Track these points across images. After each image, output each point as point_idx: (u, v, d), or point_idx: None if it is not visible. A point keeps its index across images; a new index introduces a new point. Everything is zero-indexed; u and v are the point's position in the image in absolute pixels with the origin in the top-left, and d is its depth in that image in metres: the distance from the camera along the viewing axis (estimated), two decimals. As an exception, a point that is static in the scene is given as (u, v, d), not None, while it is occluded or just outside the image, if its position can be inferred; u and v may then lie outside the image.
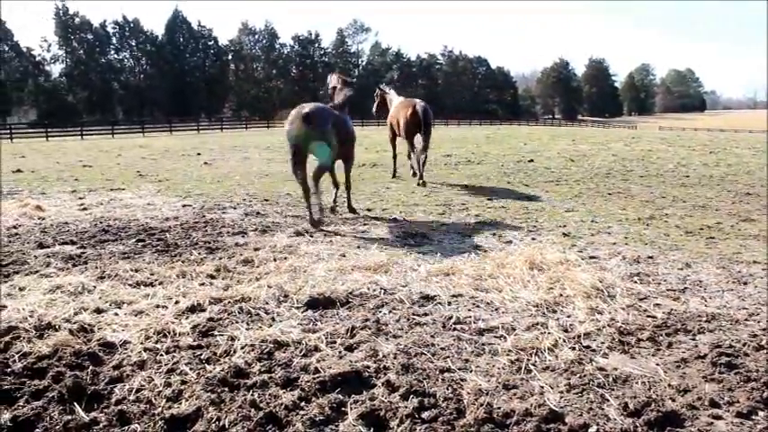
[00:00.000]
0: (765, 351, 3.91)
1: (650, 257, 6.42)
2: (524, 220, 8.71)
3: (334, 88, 10.19)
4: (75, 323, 4.37)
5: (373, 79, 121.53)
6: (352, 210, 9.53)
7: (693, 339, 4.18)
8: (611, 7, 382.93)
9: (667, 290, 5.30)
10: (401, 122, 13.44)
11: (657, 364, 3.76)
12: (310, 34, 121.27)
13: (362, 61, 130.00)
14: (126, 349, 3.98)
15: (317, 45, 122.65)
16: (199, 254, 6.57)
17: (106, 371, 3.66)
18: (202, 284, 5.42)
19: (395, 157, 14.76)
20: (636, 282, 5.50)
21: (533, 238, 7.34)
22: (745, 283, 5.49)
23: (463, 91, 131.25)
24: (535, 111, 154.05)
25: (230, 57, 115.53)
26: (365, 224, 8.40)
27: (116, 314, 4.62)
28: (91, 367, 3.67)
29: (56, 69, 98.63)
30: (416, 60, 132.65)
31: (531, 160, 18.53)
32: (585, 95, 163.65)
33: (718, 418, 3.12)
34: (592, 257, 6.37)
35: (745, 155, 20.89)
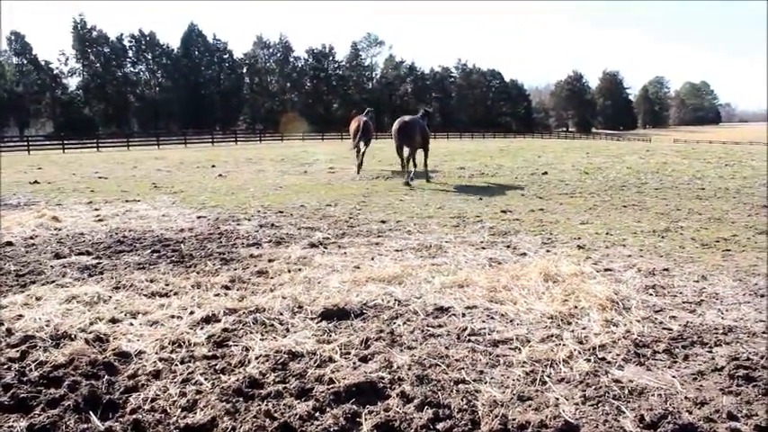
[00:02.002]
0: (783, 364, 3.87)
1: (666, 270, 6.37)
2: (539, 232, 8.69)
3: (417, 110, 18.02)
4: (90, 333, 4.40)
5: (387, 92, 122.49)
6: (428, 180, 16.37)
7: (710, 352, 4.14)
8: (625, 20, 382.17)
9: (683, 302, 5.26)
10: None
11: (674, 377, 3.73)
12: (324, 47, 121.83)
13: (376, 74, 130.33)
14: (141, 359, 4.00)
15: (331, 58, 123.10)
16: (213, 265, 6.59)
17: (121, 380, 3.67)
18: (217, 295, 5.44)
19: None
20: (651, 294, 5.46)
21: (548, 251, 7.31)
22: (762, 296, 5.44)
23: (477, 104, 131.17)
24: (549, 123, 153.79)
25: (245, 70, 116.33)
26: (379, 236, 8.40)
27: (131, 324, 4.65)
28: (106, 377, 3.69)
29: (73, 82, 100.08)
30: (430, 73, 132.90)
31: (546, 173, 18.49)
32: (599, 108, 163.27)
33: (737, 430, 3.09)
34: (607, 270, 6.34)
35: (761, 167, 20.72)
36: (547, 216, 10.20)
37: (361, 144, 19.22)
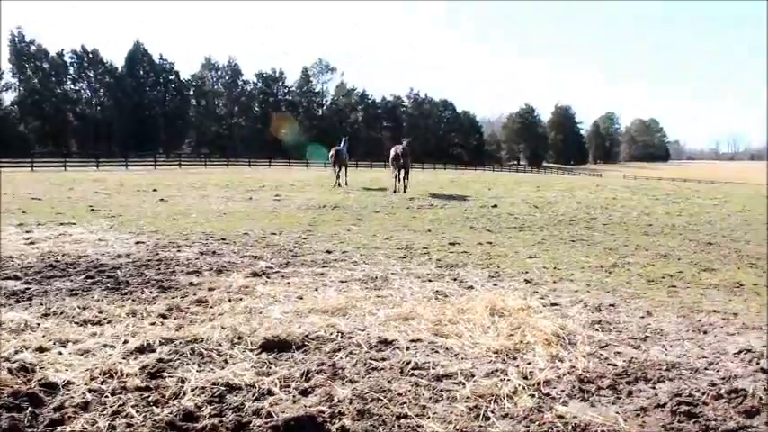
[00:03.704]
0: (724, 400, 3.98)
1: (612, 305, 6.51)
2: (486, 265, 8.78)
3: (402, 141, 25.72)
4: (15, 362, 4.27)
5: (338, 119, 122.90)
6: (405, 191, 23.28)
7: (653, 388, 4.24)
8: (578, 56, 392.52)
9: (628, 338, 5.37)
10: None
11: (617, 413, 3.79)
12: (274, 72, 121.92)
13: (327, 101, 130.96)
14: (69, 390, 3.89)
15: (280, 83, 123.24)
16: (150, 292, 6.49)
17: (46, 413, 3.57)
18: (153, 324, 5.35)
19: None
20: (597, 329, 5.57)
21: (495, 284, 7.40)
22: (705, 332, 5.59)
23: (428, 134, 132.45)
24: (500, 156, 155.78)
25: (191, 92, 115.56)
26: (324, 266, 8.39)
27: (60, 353, 4.53)
28: (30, 409, 3.57)
29: (7, 98, 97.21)
30: (381, 102, 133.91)
31: (495, 206, 18.77)
32: (551, 142, 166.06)
33: (677, 468, 3.15)
34: (553, 304, 6.44)
35: (707, 205, 21.44)
36: (495, 249, 10.33)
37: (336, 168, 28.38)
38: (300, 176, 39.39)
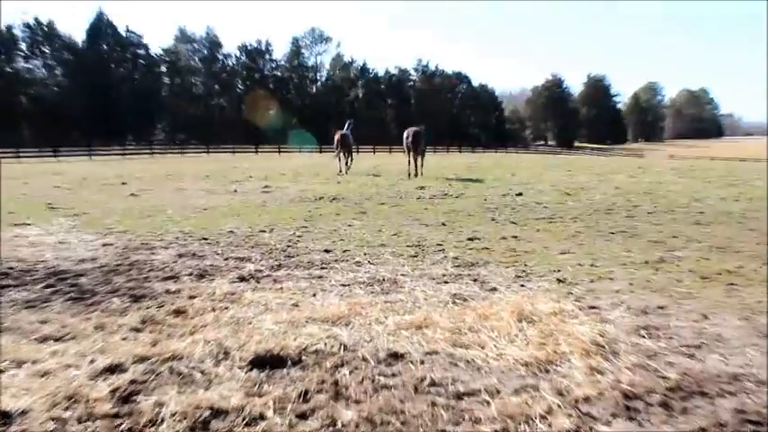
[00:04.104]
0: (796, 418, 3.94)
1: (660, 307, 6.47)
2: (511, 263, 8.75)
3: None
4: (-37, 387, 4.26)
5: (334, 97, 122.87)
6: (417, 176, 25.03)
7: (712, 404, 4.20)
8: (612, 14, 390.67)
9: (681, 345, 5.33)
10: None
11: (670, 434, 3.77)
12: (260, 44, 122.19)
13: (321, 76, 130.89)
14: (27, 419, 3.88)
15: (267, 56, 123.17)
16: (121, 302, 6.48)
17: (1, 445, 3.56)
18: (125, 339, 5.34)
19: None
20: (644, 336, 5.53)
21: (522, 285, 7.36)
22: (772, 338, 5.55)
23: (440, 112, 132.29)
24: (524, 136, 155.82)
25: (164, 69, 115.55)
26: (323, 268, 8.37)
27: (15, 376, 4.52)
28: (-18, 441, 3.57)
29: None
30: (385, 76, 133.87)
31: (520, 194, 18.73)
32: (583, 118, 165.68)
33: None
34: (591, 307, 6.40)
35: (769, 188, 21.31)
36: (521, 244, 10.29)
37: (341, 155, 30.34)
38: (292, 164, 39.43)
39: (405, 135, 27.21)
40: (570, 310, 6.08)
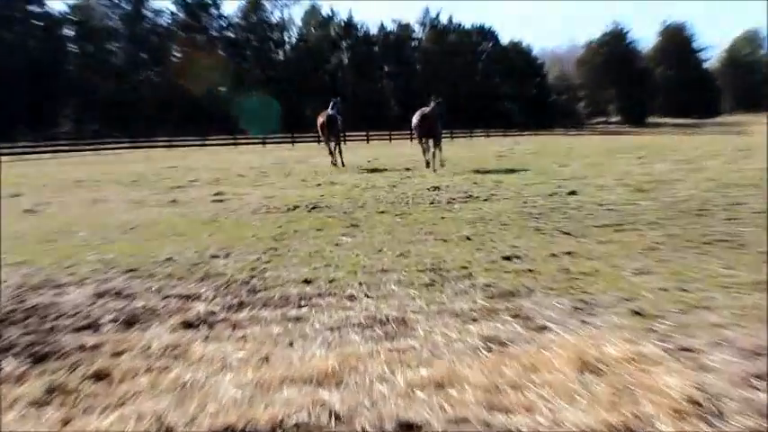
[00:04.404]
0: None
1: (780, 347, 6.43)
2: (566, 290, 8.72)
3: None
4: None
5: (310, 66, 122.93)
6: (442, 165, 28.15)
7: None
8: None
9: (811, 400, 5.29)
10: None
11: None
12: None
13: (291, 37, 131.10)
14: None
15: (215, 12, 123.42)
16: (17, 365, 6.44)
17: None
18: (22, 417, 5.30)
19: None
20: (758, 388, 5.49)
21: (583, 321, 7.34)
22: None
23: (457, 82, 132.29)
24: (577, 111, 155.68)
25: (69, 32, 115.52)
26: (301, 305, 8.34)
27: None
28: None
29: None
30: (379, 34, 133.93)
31: (574, 192, 18.73)
32: (658, 83, 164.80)
33: None
34: (683, 349, 6.36)
35: None
36: (578, 263, 10.26)
37: (332, 144, 32.55)
38: (254, 161, 39.56)
39: (415, 118, 29.07)
40: (652, 355, 6.04)
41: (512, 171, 25.56)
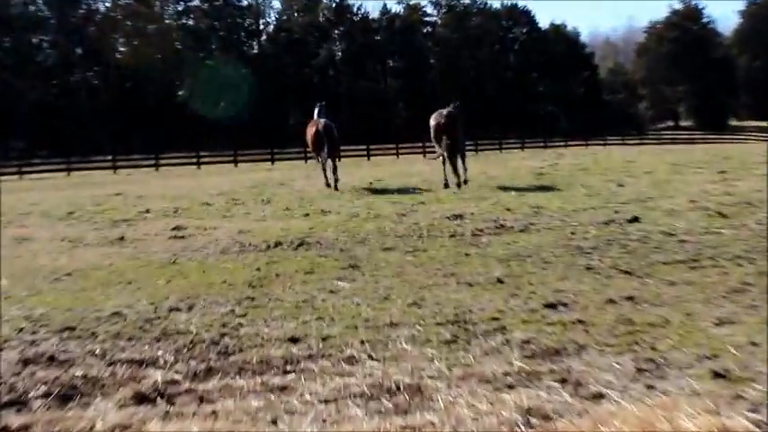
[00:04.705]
0: None
1: None
2: (627, 346, 8.72)
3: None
4: None
5: (293, 60, 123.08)
6: (464, 182, 29.04)
7: None
8: None
9: None
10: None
11: None
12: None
13: (268, 24, 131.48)
14: None
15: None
16: None
17: None
18: None
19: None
20: None
21: (650, 387, 7.34)
22: None
23: (481, 76, 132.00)
24: (636, 112, 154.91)
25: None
26: (287, 371, 8.36)
27: None
28: None
29: None
30: (381, 18, 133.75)
31: (636, 218, 18.71)
32: (743, 75, 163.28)
33: None
34: (783, 423, 6.37)
35: None
36: (643, 311, 10.26)
37: (328, 160, 32.26)
38: (223, 184, 39.57)
39: (433, 122, 30.08)
40: (740, 430, 6.05)
41: (555, 192, 25.54)
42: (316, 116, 32.82)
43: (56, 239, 20.47)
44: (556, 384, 7.53)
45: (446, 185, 28.68)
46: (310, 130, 31.90)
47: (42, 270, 15.69)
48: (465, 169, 29.45)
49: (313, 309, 11.22)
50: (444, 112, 29.73)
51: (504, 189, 27.73)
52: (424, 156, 65.38)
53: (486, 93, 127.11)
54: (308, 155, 32.51)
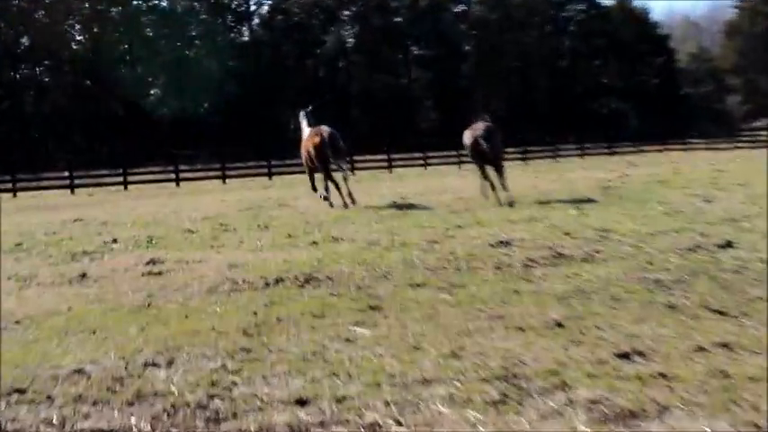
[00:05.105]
0: None
1: None
2: (724, 406, 8.69)
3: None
4: None
5: (293, 49, 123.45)
6: (510, 204, 29.91)
7: None
8: None
9: None
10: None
11: None
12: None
13: (261, 5, 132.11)
14: None
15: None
16: None
17: None
18: None
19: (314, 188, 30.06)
20: None
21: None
22: None
23: (529, 69, 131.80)
24: (725, 108, 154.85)
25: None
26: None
27: None
28: None
29: None
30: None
31: (729, 244, 18.68)
32: None
33: None
34: None
35: None
36: (741, 361, 10.23)
37: (340, 171, 33.22)
38: (210, 206, 39.71)
39: (469, 138, 31.59)
40: None
41: (625, 211, 25.56)
42: (304, 125, 33.55)
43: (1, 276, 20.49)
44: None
45: (491, 196, 30.00)
46: (313, 140, 31.99)
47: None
48: (506, 185, 30.43)
49: (324, 362, 11.20)
50: (481, 127, 30.60)
51: (562, 207, 27.72)
52: (459, 167, 65.66)
53: (535, 87, 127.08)
54: (312, 170, 31.85)
